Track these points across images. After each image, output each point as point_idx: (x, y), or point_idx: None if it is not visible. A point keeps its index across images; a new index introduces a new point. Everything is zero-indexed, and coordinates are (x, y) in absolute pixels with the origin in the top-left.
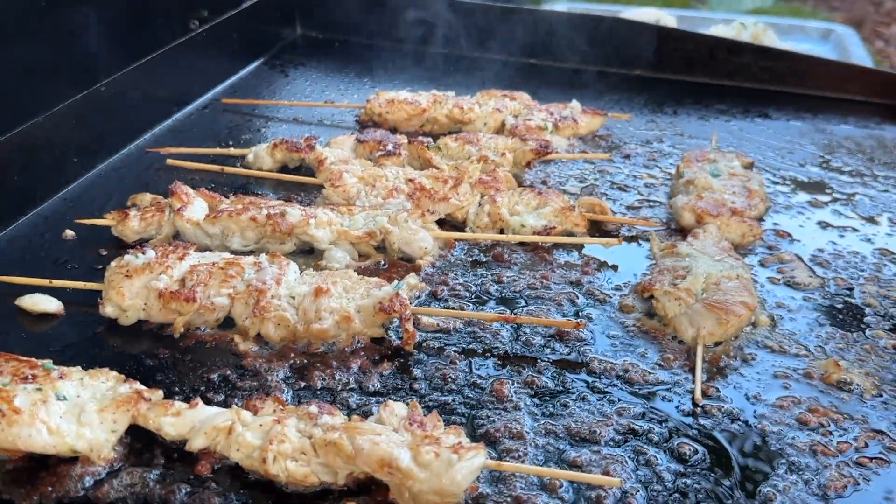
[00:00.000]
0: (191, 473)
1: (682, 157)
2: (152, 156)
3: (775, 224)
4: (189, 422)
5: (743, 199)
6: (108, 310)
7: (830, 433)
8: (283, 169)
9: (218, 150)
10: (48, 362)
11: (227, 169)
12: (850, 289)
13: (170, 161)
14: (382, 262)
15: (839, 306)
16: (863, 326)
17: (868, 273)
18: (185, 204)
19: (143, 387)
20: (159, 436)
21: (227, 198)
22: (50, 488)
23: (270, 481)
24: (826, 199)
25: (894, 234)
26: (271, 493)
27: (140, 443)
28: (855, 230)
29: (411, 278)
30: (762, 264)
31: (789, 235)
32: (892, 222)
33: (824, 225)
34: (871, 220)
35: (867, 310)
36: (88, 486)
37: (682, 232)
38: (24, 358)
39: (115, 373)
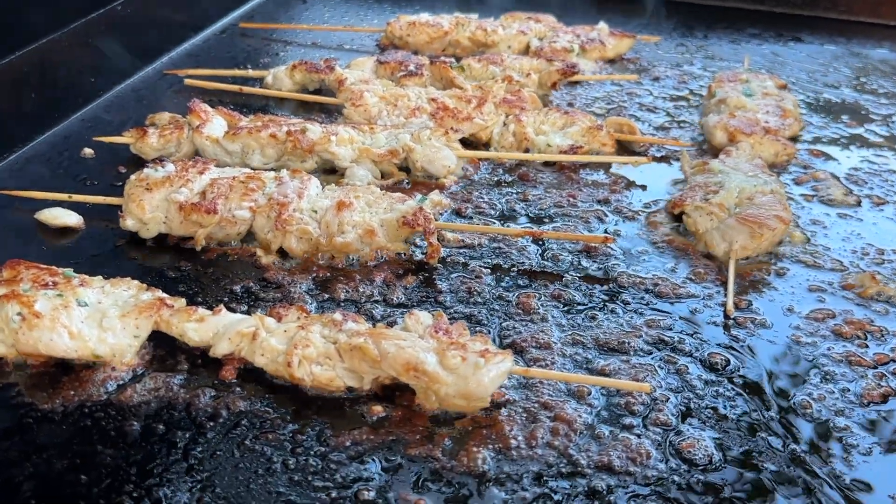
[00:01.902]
0: (215, 378)
1: (713, 77)
2: (170, 78)
3: (809, 144)
4: (213, 328)
5: (777, 119)
6: (129, 223)
7: (867, 345)
8: (303, 91)
9: (236, 72)
10: (69, 270)
11: (246, 89)
12: (885, 205)
13: (188, 82)
14: (405, 181)
15: (874, 222)
16: None
17: None
18: (204, 121)
19: (165, 294)
20: (182, 342)
21: (247, 117)
22: (72, 392)
23: (295, 386)
24: (861, 119)
25: None
26: (296, 398)
27: (163, 349)
28: (892, 149)
29: (435, 195)
30: (796, 182)
31: (823, 154)
32: None
33: (859, 144)
34: None
35: None
36: (111, 390)
37: (714, 152)
38: (45, 266)
39: (136, 282)
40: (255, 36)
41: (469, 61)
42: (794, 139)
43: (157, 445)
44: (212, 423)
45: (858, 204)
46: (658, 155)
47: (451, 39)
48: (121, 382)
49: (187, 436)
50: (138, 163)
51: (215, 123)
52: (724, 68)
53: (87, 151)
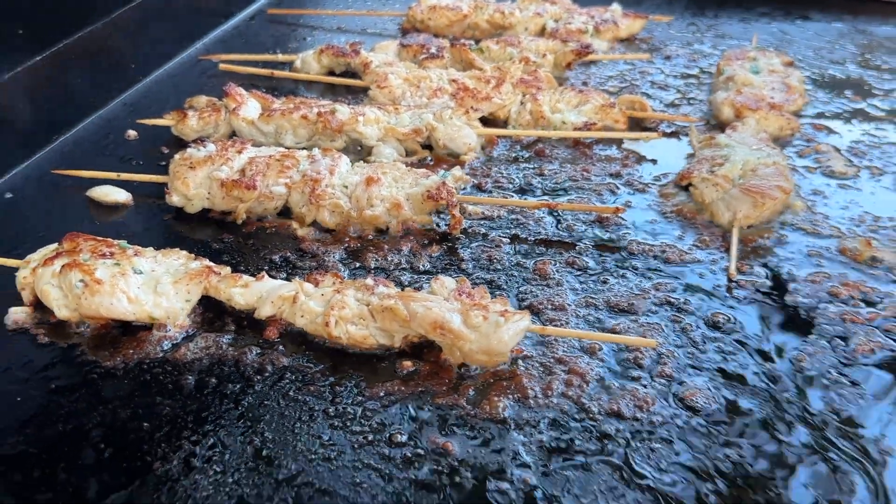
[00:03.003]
0: (260, 338)
1: (722, 56)
2: (204, 63)
3: (813, 118)
4: (257, 292)
5: (782, 94)
6: (175, 199)
7: (860, 304)
8: (330, 74)
9: (267, 57)
10: (123, 242)
11: (277, 73)
12: (883, 175)
13: (222, 66)
14: (428, 158)
15: (872, 192)
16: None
17: None
18: (240, 104)
19: (212, 263)
20: (229, 306)
21: (279, 99)
22: (131, 351)
23: (333, 344)
24: (864, 94)
25: None
26: (334, 354)
27: (212, 312)
28: (893, 122)
29: (456, 170)
30: (799, 155)
31: (827, 128)
32: None
33: (861, 118)
34: None
35: None
36: (167, 348)
37: (721, 127)
38: (101, 238)
39: (185, 252)
40: (282, 22)
41: (487, 43)
42: (798, 114)
43: (210, 396)
44: (258, 377)
45: (858, 175)
46: (668, 131)
47: (471, 22)
48: (175, 342)
49: (237, 388)
50: (179, 143)
51: (250, 106)
52: (734, 46)
53: (131, 133)
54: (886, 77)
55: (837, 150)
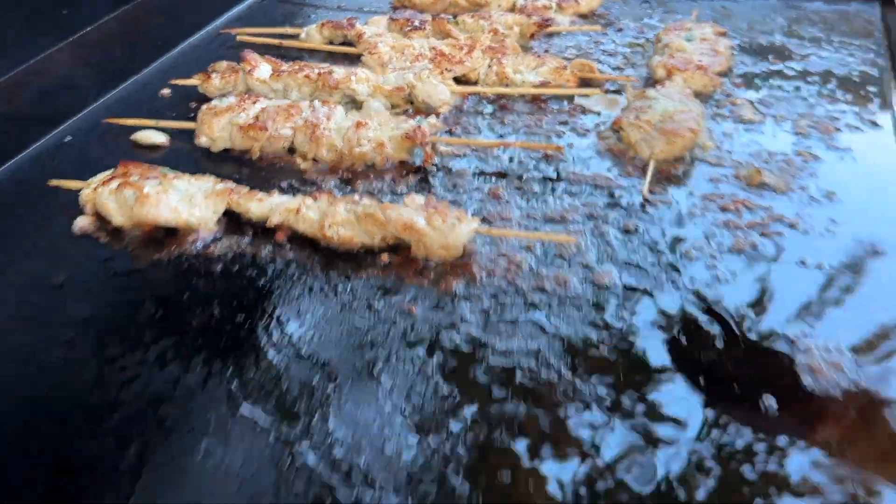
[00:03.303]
0: (271, 240)
1: (663, 28)
2: (224, 36)
3: (735, 77)
4: (268, 205)
5: (709, 58)
6: (202, 140)
7: (742, 215)
8: (329, 44)
9: (277, 30)
10: (164, 168)
11: (285, 43)
12: (785, 121)
13: (239, 38)
14: (409, 111)
15: (774, 135)
16: (790, 149)
17: (803, 111)
18: (254, 67)
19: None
20: (246, 217)
21: (286, 63)
22: (173, 248)
23: (327, 243)
24: (783, 58)
25: (832, 85)
26: (328, 252)
27: (234, 222)
28: (803, 80)
29: (431, 118)
30: (717, 106)
31: (745, 86)
32: (833, 76)
33: (777, 77)
34: (821, 73)
35: (796, 137)
36: (199, 247)
37: (656, 85)
38: (147, 165)
39: (213, 177)
40: (290, 1)
41: (464, 17)
42: (723, 74)
43: (234, 279)
44: (270, 266)
45: (763, 121)
46: (612, 89)
47: (451, 1)
48: (206, 242)
49: (254, 273)
50: (205, 99)
51: (262, 68)
52: (678, 20)
53: (165, 92)
54: (807, 45)
55: (751, 102)
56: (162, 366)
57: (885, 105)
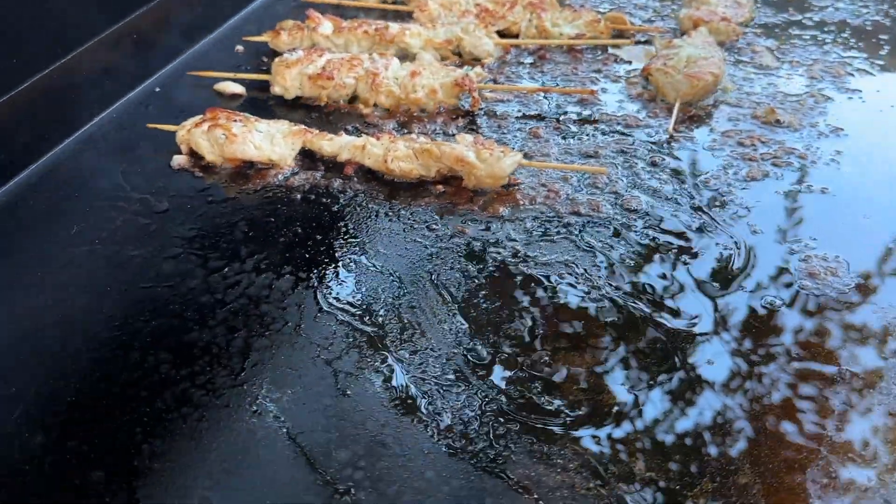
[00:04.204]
0: (341, 173)
1: None
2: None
3: (757, 27)
4: (338, 143)
5: (733, 10)
6: (276, 89)
7: (757, 148)
8: (384, 2)
9: None
10: (247, 114)
11: (344, 2)
12: (799, 66)
13: None
14: (457, 62)
15: (789, 78)
16: (803, 91)
17: (817, 57)
18: (318, 24)
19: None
20: (319, 154)
21: (346, 21)
22: (258, 181)
23: (390, 175)
24: (803, 10)
25: (846, 34)
26: (391, 183)
27: (308, 159)
28: (819, 30)
29: (478, 69)
30: (739, 53)
31: (765, 35)
32: (848, 26)
33: (796, 28)
34: (836, 23)
35: (809, 81)
36: (280, 180)
37: (682, 36)
38: (233, 111)
39: (288, 121)
40: None
41: None
42: (745, 25)
43: (311, 206)
44: (342, 195)
45: (780, 67)
46: (643, 39)
47: None
48: (286, 175)
49: (328, 201)
50: (275, 54)
51: (325, 25)
52: None
53: (239, 48)
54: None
55: (770, 49)
56: (258, 273)
57: (895, 51)
